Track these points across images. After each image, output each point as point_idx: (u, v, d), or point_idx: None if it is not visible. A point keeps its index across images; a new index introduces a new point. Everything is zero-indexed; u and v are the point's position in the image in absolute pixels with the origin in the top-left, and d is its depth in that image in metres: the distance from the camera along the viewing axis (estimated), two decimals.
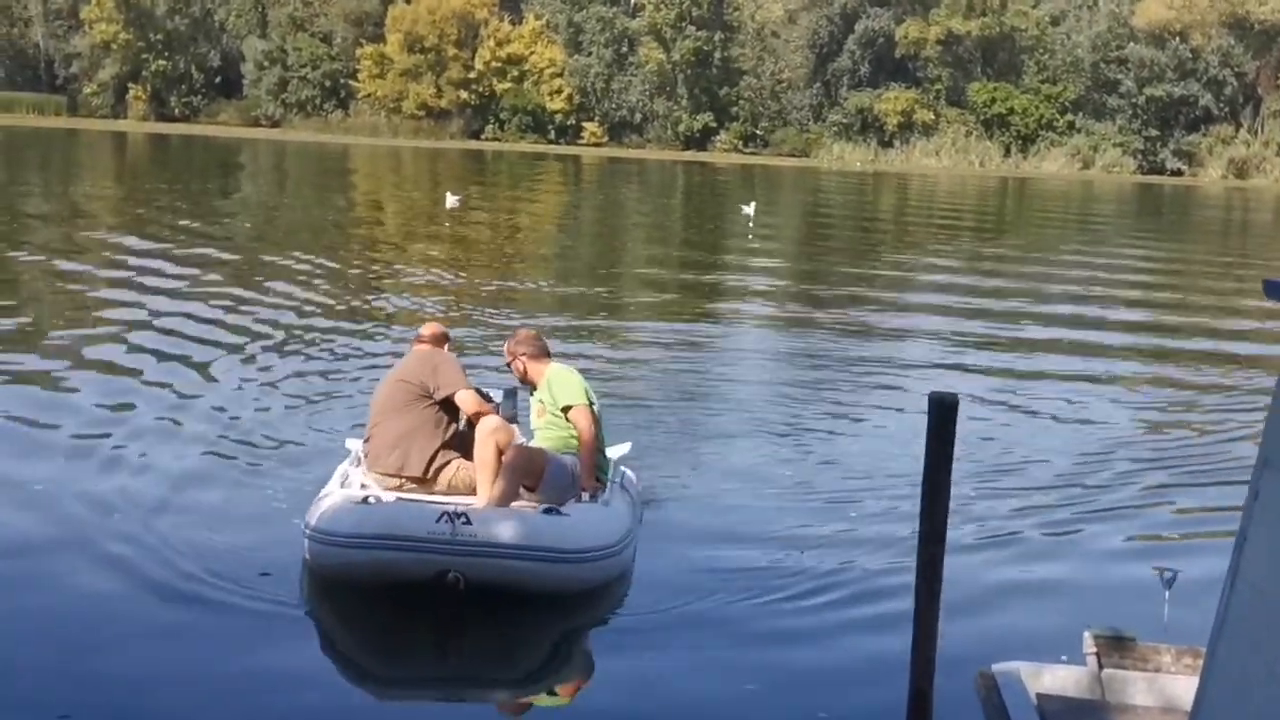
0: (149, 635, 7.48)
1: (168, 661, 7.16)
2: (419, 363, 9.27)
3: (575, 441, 9.02)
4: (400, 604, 7.91)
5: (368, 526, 7.90)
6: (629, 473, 9.81)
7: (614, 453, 9.78)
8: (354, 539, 7.87)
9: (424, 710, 7.32)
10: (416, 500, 8.66)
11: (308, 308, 19.40)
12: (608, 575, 8.28)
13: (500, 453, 8.70)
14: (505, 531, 7.88)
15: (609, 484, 9.15)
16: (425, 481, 8.97)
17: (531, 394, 9.34)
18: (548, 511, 8.35)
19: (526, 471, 8.71)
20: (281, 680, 7.11)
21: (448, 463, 9.01)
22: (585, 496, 8.82)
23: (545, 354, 9.38)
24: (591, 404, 9.15)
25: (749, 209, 40.21)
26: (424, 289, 22.16)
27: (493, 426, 8.82)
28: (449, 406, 9.12)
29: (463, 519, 7.82)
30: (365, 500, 8.42)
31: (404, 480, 8.95)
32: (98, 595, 7.97)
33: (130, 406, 12.67)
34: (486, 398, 9.38)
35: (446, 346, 9.55)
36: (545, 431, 9.13)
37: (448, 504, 8.15)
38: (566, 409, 9.04)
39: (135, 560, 8.48)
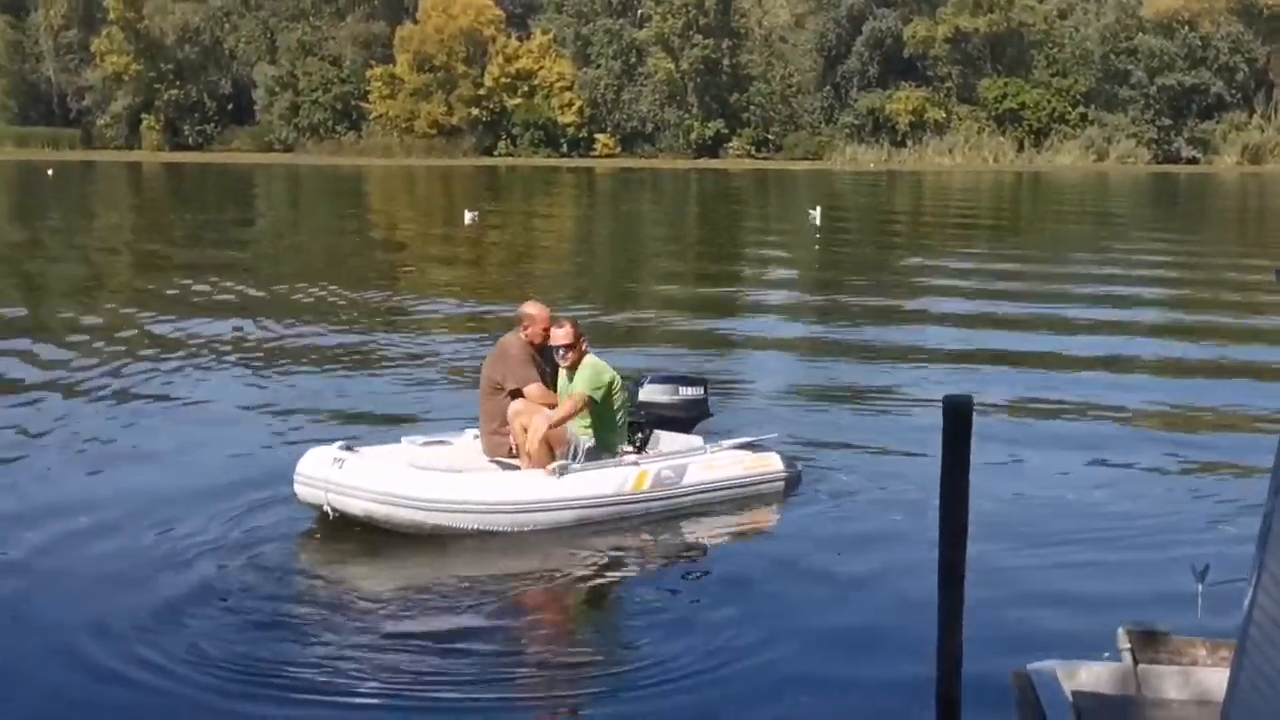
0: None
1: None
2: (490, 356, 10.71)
3: (586, 426, 10.23)
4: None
5: (299, 465, 9.82)
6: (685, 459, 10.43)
7: (741, 439, 10.86)
8: (295, 475, 9.81)
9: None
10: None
11: (333, 332, 19.53)
12: (454, 524, 9.45)
13: (525, 430, 9.98)
14: (364, 476, 9.50)
15: (573, 458, 9.99)
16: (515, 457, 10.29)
17: (570, 377, 10.36)
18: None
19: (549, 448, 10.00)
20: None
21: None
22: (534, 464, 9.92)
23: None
24: (597, 395, 10.14)
25: (815, 214, 39.81)
26: (456, 311, 22.37)
27: (517, 409, 10.12)
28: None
29: (340, 463, 9.54)
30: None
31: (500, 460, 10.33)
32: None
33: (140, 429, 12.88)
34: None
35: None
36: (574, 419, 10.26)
37: (343, 452, 9.67)
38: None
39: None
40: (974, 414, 6.22)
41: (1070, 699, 5.81)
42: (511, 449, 10.21)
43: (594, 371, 10.21)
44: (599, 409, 10.25)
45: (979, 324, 21.30)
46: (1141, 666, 6.06)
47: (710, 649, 7.66)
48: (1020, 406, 14.57)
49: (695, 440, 10.87)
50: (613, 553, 9.53)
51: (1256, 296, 24.22)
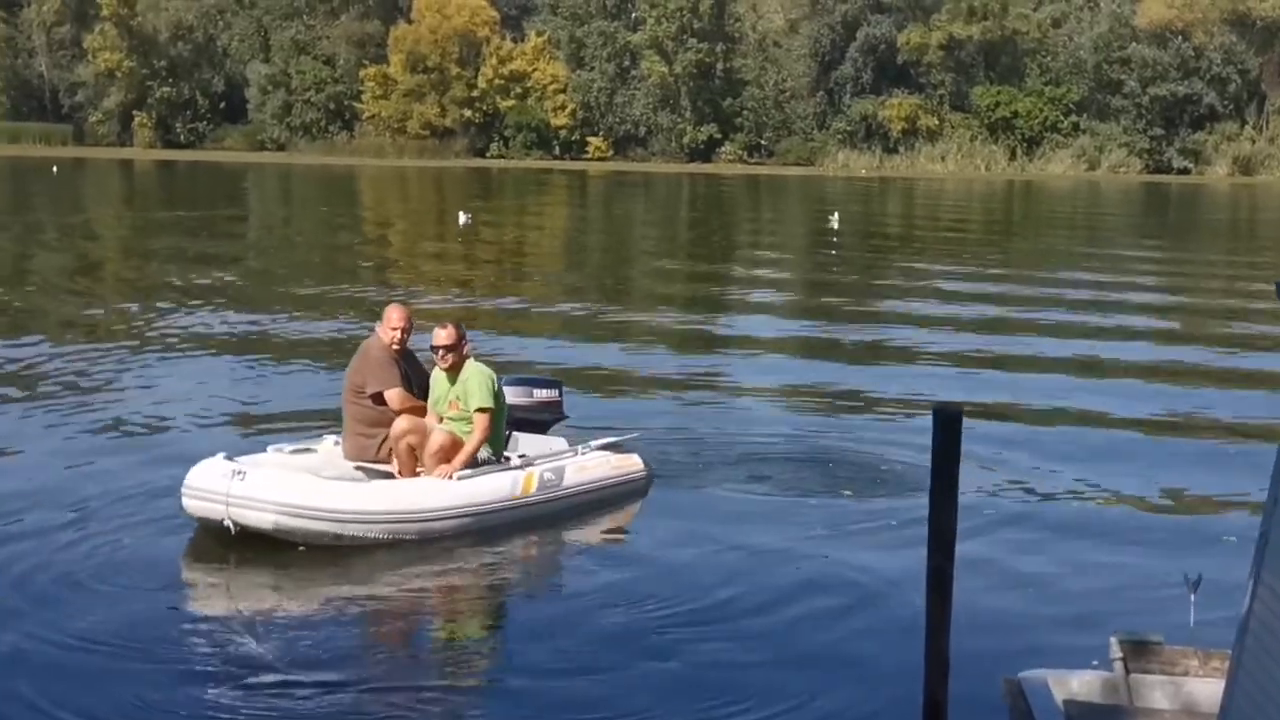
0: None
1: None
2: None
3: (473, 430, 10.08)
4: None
5: (189, 478, 9.40)
6: (574, 461, 10.55)
7: (601, 440, 11.06)
8: (185, 488, 9.41)
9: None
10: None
11: (328, 334, 19.49)
12: (366, 534, 9.37)
13: (413, 450, 9.91)
14: (266, 488, 9.20)
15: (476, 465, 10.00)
16: (381, 461, 10.21)
17: (450, 380, 10.13)
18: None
19: (446, 458, 9.89)
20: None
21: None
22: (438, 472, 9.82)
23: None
24: (498, 402, 10.12)
25: (834, 220, 40.39)
26: (462, 313, 22.33)
27: (404, 429, 9.90)
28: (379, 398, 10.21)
29: (241, 475, 9.20)
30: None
31: (364, 464, 10.17)
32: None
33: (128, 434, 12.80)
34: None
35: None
36: (454, 424, 10.06)
37: (240, 463, 9.40)
38: (479, 410, 10.00)
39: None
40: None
41: (1061, 707, 5.79)
42: (376, 453, 10.13)
43: (484, 378, 10.08)
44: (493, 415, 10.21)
45: (978, 329, 21.36)
46: (1133, 676, 6.05)
47: (637, 661, 7.61)
48: (1010, 412, 14.56)
49: (556, 442, 10.97)
50: (505, 559, 9.63)
51: (1254, 307, 24.22)
